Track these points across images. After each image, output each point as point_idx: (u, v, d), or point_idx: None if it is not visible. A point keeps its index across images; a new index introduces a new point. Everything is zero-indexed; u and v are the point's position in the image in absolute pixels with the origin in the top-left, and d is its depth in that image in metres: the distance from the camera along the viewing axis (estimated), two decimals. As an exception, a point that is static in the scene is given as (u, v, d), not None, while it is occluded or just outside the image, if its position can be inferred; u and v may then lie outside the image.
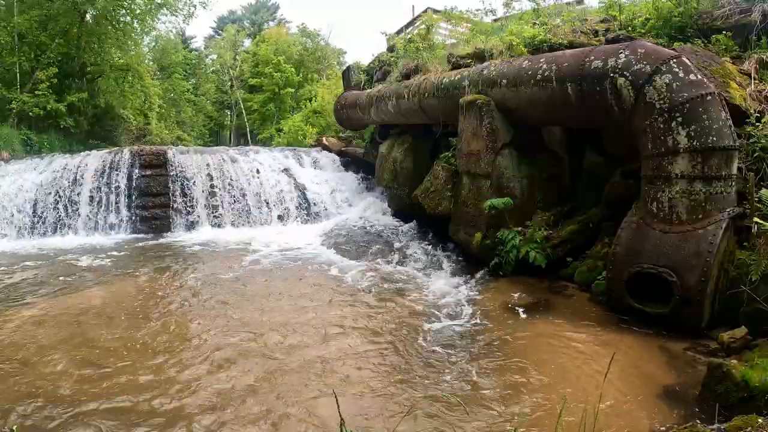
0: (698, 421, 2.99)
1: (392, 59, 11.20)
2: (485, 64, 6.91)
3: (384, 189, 10.30)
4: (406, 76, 9.41)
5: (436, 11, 13.18)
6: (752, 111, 5.26)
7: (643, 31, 7.17)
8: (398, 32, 15.17)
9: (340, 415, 1.94)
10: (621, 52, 4.91)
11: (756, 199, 4.51)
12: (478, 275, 6.30)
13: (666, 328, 4.39)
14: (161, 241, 8.98)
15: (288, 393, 3.54)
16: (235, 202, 10.16)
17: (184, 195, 9.94)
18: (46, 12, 14.88)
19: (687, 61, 4.72)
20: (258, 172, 10.73)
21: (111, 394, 3.51)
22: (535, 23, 8.61)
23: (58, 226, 9.26)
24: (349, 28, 66.21)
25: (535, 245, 5.97)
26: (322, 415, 3.23)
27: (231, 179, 10.36)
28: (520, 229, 6.26)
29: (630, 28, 7.33)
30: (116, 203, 9.60)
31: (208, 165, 10.39)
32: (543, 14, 9.01)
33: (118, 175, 9.77)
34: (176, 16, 18.79)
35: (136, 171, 9.85)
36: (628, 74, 4.76)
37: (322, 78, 28.80)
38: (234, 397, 3.47)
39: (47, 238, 9.03)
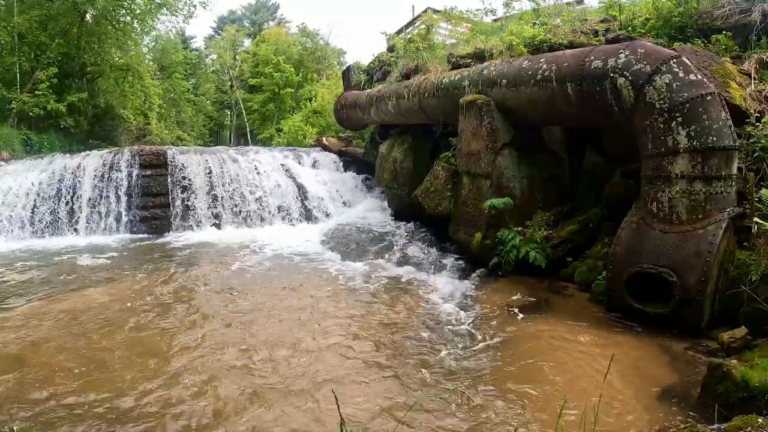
0: (698, 421, 2.99)
1: (392, 59, 11.20)
2: (485, 64, 6.91)
3: (384, 189, 10.30)
4: (406, 76, 9.42)
5: (436, 11, 13.18)
6: (752, 111, 5.26)
7: (643, 31, 7.17)
8: (398, 32, 15.17)
9: (341, 415, 1.94)
10: (621, 52, 4.91)
11: (756, 199, 4.51)
12: (478, 275, 6.31)
13: (666, 328, 4.39)
14: (161, 241, 8.98)
15: (286, 391, 3.53)
16: (235, 202, 10.15)
17: (184, 195, 9.93)
18: (46, 12, 14.89)
19: (687, 61, 4.72)
20: (258, 172, 10.72)
21: (109, 393, 3.51)
22: (535, 23, 8.61)
23: (58, 226, 9.26)
24: (349, 28, 66.34)
25: (535, 245, 5.97)
26: (324, 419, 3.23)
27: (231, 179, 10.34)
28: (520, 229, 6.26)
29: (630, 28, 7.34)
30: (116, 203, 9.60)
31: (208, 165, 10.38)
32: (543, 14, 9.01)
33: (118, 175, 9.77)
34: (176, 16, 18.86)
35: (136, 171, 9.85)
36: (628, 74, 4.76)
37: (322, 78, 28.82)
38: (235, 397, 3.48)
39: (47, 238, 9.02)
